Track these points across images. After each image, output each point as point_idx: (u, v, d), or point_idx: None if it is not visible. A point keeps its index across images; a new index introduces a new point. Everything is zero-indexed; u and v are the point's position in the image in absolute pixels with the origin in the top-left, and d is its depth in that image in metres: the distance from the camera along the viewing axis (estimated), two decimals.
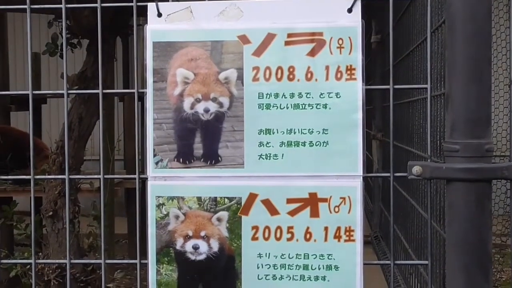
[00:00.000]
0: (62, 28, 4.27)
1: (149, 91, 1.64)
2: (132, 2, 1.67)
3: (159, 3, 1.65)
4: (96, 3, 1.70)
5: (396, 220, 3.93)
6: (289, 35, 1.60)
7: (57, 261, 4.21)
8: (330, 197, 1.59)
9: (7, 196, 5.87)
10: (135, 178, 1.71)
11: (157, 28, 1.64)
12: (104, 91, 1.75)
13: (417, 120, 3.10)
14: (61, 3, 1.71)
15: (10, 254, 5.51)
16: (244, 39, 1.61)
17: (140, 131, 1.76)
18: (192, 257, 1.63)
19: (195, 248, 1.63)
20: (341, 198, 1.59)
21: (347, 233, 1.60)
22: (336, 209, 1.59)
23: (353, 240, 1.60)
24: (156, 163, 1.64)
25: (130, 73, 8.32)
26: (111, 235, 6.29)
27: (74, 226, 4.41)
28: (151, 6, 1.65)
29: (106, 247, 1.84)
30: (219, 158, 1.62)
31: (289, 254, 1.62)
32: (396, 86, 1.68)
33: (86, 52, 4.58)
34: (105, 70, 4.54)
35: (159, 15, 1.65)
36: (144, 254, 1.66)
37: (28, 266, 4.44)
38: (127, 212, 7.14)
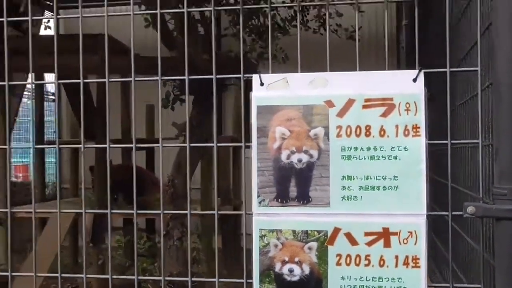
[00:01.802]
0: (173, 87, 4.40)
1: (254, 144, 1.67)
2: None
3: (262, 75, 1.68)
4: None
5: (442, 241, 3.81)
6: (366, 100, 1.61)
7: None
8: (400, 231, 1.58)
9: (131, 217, 5.98)
10: (241, 213, 1.72)
11: (260, 94, 1.68)
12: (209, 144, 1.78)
13: (462, 163, 3.02)
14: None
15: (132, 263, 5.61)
16: (329, 103, 1.63)
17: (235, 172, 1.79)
18: (288, 278, 1.64)
19: (291, 271, 1.63)
20: (408, 232, 1.58)
21: (414, 261, 1.58)
22: (405, 241, 1.58)
23: (419, 267, 1.58)
24: (259, 202, 1.66)
25: (223, 121, 8.42)
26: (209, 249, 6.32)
27: (182, 243, 4.49)
28: (255, 77, 1.69)
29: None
30: (310, 199, 1.63)
31: (366, 277, 1.61)
32: (453, 141, 1.67)
33: (192, 105, 4.69)
34: (207, 120, 4.65)
35: (262, 84, 1.68)
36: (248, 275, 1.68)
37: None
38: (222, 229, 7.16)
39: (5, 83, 2.05)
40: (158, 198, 4.76)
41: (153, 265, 4.84)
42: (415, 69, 1.61)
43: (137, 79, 1.85)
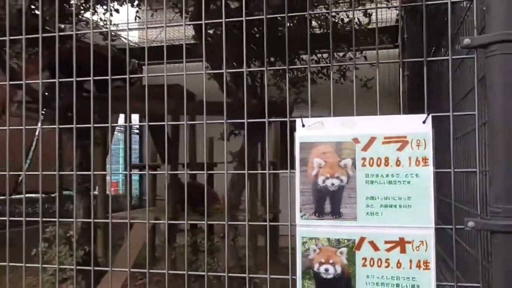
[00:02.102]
0: (229, 123, 4.41)
1: (297, 172, 1.65)
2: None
3: (303, 118, 1.67)
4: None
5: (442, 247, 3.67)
6: (385, 138, 1.58)
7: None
8: (413, 240, 1.53)
9: (196, 222, 6.02)
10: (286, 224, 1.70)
11: (302, 133, 1.67)
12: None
13: (458, 184, 2.92)
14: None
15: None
16: (356, 140, 1.61)
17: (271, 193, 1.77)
18: (324, 276, 1.60)
19: (326, 270, 1.60)
20: (420, 241, 1.52)
21: (425, 264, 1.53)
22: (417, 248, 1.53)
23: (429, 269, 1.53)
24: (302, 216, 1.64)
25: (265, 150, 8.43)
26: (254, 248, 6.27)
27: (235, 243, 4.46)
28: (298, 120, 1.68)
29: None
30: (341, 214, 1.60)
31: (386, 276, 1.56)
32: (456, 170, 1.61)
33: (243, 138, 4.70)
34: (254, 149, 4.64)
35: (303, 125, 1.67)
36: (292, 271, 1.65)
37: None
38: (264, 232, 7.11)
39: (108, 124, 2.08)
40: (217, 208, 4.78)
41: (213, 259, 4.81)
42: (416, 110, 1.58)
43: (208, 121, 1.85)
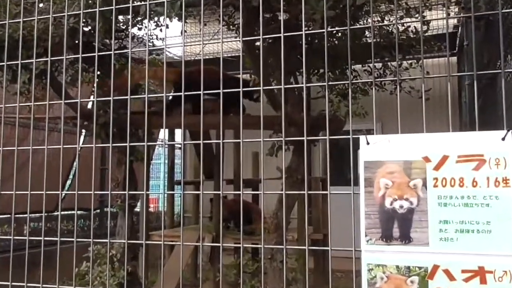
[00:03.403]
0: (277, 138, 4.40)
1: (362, 193, 1.61)
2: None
3: (368, 136, 1.63)
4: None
5: None
6: (459, 156, 1.52)
7: None
8: (495, 270, 1.45)
9: (238, 242, 6.02)
10: (351, 250, 1.66)
11: (366, 151, 1.63)
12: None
13: None
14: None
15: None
16: (426, 159, 1.55)
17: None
18: None
19: None
20: (503, 271, 1.44)
21: None
22: (500, 279, 1.44)
23: None
24: (367, 241, 1.59)
25: (312, 166, 8.35)
26: (304, 269, 6.18)
27: (283, 264, 4.40)
28: (362, 138, 1.64)
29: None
30: (411, 239, 1.54)
31: None
32: None
33: (292, 153, 4.67)
34: (303, 165, 4.60)
35: (368, 143, 1.63)
36: None
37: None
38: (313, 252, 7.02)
39: (145, 143, 2.11)
40: (264, 227, 4.74)
41: (259, 282, 4.76)
42: (479, 124, 1.52)
43: (265, 139, 1.84)
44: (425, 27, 4.23)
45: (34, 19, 2.12)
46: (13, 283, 2.04)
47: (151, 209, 11.62)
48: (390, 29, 4.74)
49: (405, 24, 4.39)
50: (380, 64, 5.25)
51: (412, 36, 4.73)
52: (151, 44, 4.39)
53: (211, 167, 6.33)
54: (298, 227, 5.90)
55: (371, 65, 5.41)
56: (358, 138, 1.65)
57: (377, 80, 5.00)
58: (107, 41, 3.89)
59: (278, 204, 4.64)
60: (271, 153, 4.55)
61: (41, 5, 3.20)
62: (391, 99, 5.83)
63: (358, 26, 3.91)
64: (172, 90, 4.96)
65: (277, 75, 4.46)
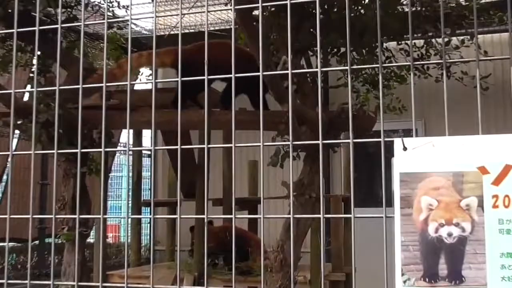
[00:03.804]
0: (284, 144, 4.43)
1: (397, 216, 1.64)
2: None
3: (405, 138, 1.66)
4: None
5: None
6: None
7: None
8: None
9: (230, 285, 6.05)
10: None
11: (403, 160, 1.65)
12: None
13: None
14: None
15: None
16: (483, 170, 1.58)
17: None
18: None
19: None
20: None
21: None
22: None
23: None
24: (404, 282, 1.61)
25: (331, 180, 8.40)
26: None
27: None
28: (397, 141, 1.67)
29: None
30: (463, 279, 1.57)
31: None
32: None
33: (303, 163, 4.70)
34: (318, 179, 4.64)
35: (405, 149, 1.66)
36: None
37: None
38: None
39: (102, 149, 2.13)
40: (265, 264, 4.77)
41: None
42: None
43: (266, 144, 1.87)
44: None
45: None
46: None
47: (109, 240, 11.64)
48: None
49: None
50: (422, 41, 5.31)
51: (463, 3, 4.78)
52: (110, 14, 4.42)
53: (192, 182, 6.37)
54: (312, 264, 5.94)
55: (409, 42, 5.45)
56: (392, 141, 1.68)
57: (417, 63, 5.04)
58: (51, 10, 3.93)
59: (285, 233, 4.67)
60: (274, 163, 4.59)
61: None
62: (437, 88, 5.85)
63: None
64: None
65: (282, 56, 4.50)
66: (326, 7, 4.51)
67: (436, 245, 1.59)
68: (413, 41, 5.67)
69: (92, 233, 6.42)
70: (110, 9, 4.51)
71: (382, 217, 1.71)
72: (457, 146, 1.62)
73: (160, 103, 4.60)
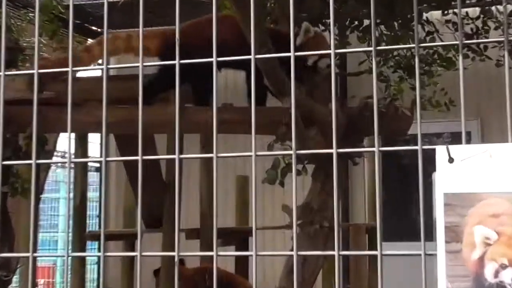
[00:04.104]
0: (284, 153, 4.44)
1: (440, 253, 1.64)
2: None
3: (451, 146, 1.67)
4: None
5: None
6: None
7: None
8: None
9: None
10: None
11: (448, 176, 1.66)
12: None
13: None
14: None
15: None
16: None
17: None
18: None
19: None
20: None
21: None
22: None
23: None
24: None
25: (350, 204, 8.41)
26: None
27: None
28: (440, 150, 1.67)
29: None
30: None
31: None
32: None
33: (312, 179, 4.70)
34: (331, 201, 4.65)
35: (451, 160, 1.66)
36: None
37: None
38: None
39: (32, 161, 2.10)
40: None
41: None
42: None
43: (259, 154, 1.87)
44: None
45: None
46: None
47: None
48: None
49: None
50: (477, 10, 5.33)
51: None
52: None
53: (158, 206, 6.37)
54: None
55: (456, 10, 5.48)
56: (434, 150, 1.68)
57: (469, 42, 5.05)
58: None
59: (286, 276, 4.68)
60: (271, 179, 4.60)
61: None
62: (498, 75, 5.84)
63: None
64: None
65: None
66: None
67: None
68: (465, 9, 5.70)
69: (16, 278, 6.43)
70: None
71: (419, 254, 1.72)
72: None
73: (115, 96, 4.55)
